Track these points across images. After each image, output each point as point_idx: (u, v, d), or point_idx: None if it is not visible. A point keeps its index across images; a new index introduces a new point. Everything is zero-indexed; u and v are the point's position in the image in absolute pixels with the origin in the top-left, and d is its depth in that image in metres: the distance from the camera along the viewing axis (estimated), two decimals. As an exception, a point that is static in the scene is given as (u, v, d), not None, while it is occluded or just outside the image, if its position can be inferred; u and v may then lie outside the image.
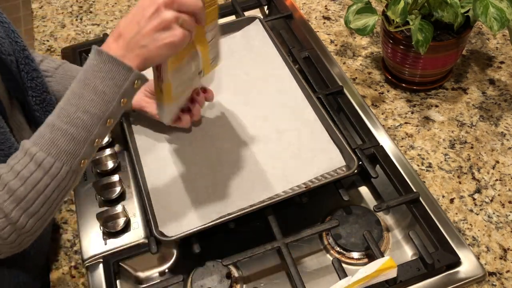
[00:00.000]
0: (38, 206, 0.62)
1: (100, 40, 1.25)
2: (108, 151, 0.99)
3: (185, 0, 0.63)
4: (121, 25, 0.64)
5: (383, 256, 0.80)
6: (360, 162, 0.92)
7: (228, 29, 1.19)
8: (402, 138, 1.00)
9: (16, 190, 0.61)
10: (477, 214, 0.87)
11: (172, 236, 0.82)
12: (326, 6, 1.32)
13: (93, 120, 0.63)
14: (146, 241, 0.87)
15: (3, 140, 0.72)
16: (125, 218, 0.89)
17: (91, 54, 0.64)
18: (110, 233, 0.88)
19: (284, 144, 0.95)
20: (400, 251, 0.89)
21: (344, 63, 1.16)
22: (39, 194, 0.61)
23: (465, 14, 0.96)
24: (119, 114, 0.66)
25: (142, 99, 0.95)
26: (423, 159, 0.96)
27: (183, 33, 0.63)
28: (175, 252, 0.92)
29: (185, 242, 0.86)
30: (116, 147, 1.02)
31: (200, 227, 0.82)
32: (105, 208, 0.91)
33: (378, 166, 0.95)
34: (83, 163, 0.64)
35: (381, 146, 0.96)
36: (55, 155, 0.61)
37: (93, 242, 0.88)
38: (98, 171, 0.96)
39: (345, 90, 1.06)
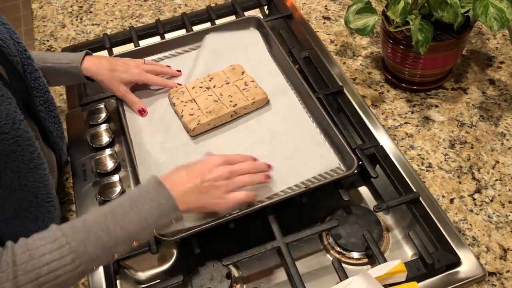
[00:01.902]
0: (33, 286, 0.61)
1: (100, 40, 1.25)
2: (108, 151, 0.99)
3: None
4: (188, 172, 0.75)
5: (383, 256, 0.80)
6: (360, 162, 0.92)
7: (228, 29, 1.19)
8: (402, 138, 1.00)
9: (31, 272, 0.61)
10: (477, 214, 0.87)
11: (172, 236, 0.82)
12: (326, 6, 1.32)
13: (125, 238, 0.67)
14: (146, 241, 0.87)
15: (26, 146, 0.72)
16: (125, 218, 0.88)
17: (152, 180, 0.71)
18: (110, 233, 0.88)
19: (278, 145, 0.95)
20: (400, 251, 0.88)
21: (344, 63, 1.16)
22: (48, 281, 0.62)
23: (465, 14, 0.96)
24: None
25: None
26: (423, 159, 0.96)
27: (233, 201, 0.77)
28: (175, 252, 0.92)
29: (185, 242, 0.86)
30: (116, 147, 1.02)
31: (200, 227, 0.82)
32: (105, 208, 0.91)
33: (378, 166, 0.95)
34: (96, 267, 0.69)
35: (381, 146, 0.96)
36: (79, 254, 0.63)
37: (93, 242, 0.88)
38: (98, 171, 0.96)
39: (345, 90, 1.06)
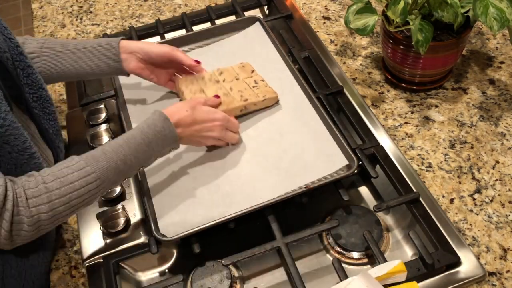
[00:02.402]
0: (65, 208, 0.71)
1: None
2: (108, 151, 0.99)
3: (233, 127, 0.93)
4: (191, 115, 0.85)
5: (383, 256, 0.80)
6: (360, 162, 0.92)
7: (228, 29, 1.19)
8: (402, 138, 1.00)
9: (64, 196, 0.71)
10: (477, 214, 0.87)
11: (172, 236, 0.82)
12: (326, 6, 1.32)
13: (136, 165, 0.79)
14: (146, 241, 0.87)
15: (18, 135, 0.73)
16: (125, 218, 0.89)
17: (160, 116, 0.81)
18: (110, 233, 0.88)
19: (286, 145, 0.95)
20: (400, 251, 0.88)
21: (344, 63, 1.16)
22: (77, 203, 0.72)
23: (465, 14, 0.96)
24: (148, 165, 0.84)
25: (138, 66, 0.96)
26: (423, 159, 0.96)
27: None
28: (175, 252, 0.92)
29: (185, 242, 0.86)
30: (116, 147, 1.02)
31: (200, 227, 0.82)
32: (105, 208, 0.91)
33: (378, 166, 0.95)
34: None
35: (381, 146, 0.96)
36: (102, 180, 0.74)
37: (93, 242, 0.88)
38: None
39: (345, 90, 1.06)
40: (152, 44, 0.98)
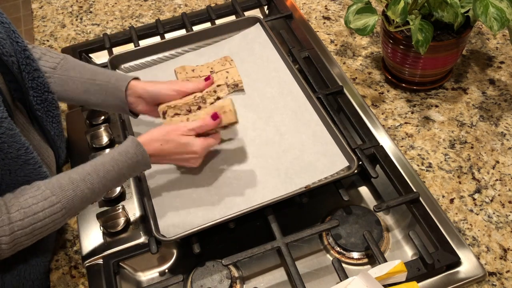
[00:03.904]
0: (27, 238, 0.71)
1: (100, 40, 1.25)
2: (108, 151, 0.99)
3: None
4: (162, 141, 0.82)
5: (383, 256, 0.80)
6: (360, 162, 0.92)
7: (228, 29, 1.19)
8: (402, 138, 1.00)
9: (27, 228, 0.70)
10: (477, 214, 0.87)
11: (172, 236, 0.82)
12: (326, 6, 1.32)
13: (104, 191, 0.78)
14: (146, 241, 0.87)
15: (12, 142, 0.72)
16: (125, 218, 0.89)
17: (132, 142, 0.79)
18: (110, 233, 0.88)
19: (286, 146, 0.95)
20: (400, 251, 0.89)
21: (344, 63, 1.16)
22: (40, 232, 0.72)
23: (465, 14, 0.96)
24: (117, 187, 0.87)
25: (146, 109, 0.91)
26: (423, 159, 0.96)
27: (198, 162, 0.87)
28: (175, 252, 0.92)
29: (185, 242, 0.86)
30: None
31: (200, 227, 0.82)
32: (105, 208, 0.91)
33: (378, 166, 0.95)
34: (74, 216, 0.78)
35: (381, 146, 0.96)
36: (68, 209, 0.73)
37: (93, 242, 0.88)
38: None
39: (345, 90, 1.06)
40: (160, 85, 0.89)
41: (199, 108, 0.89)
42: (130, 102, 0.90)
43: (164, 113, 0.88)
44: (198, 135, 0.84)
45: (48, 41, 1.31)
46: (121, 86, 0.89)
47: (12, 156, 0.73)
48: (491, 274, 0.80)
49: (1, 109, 0.71)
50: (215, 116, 0.83)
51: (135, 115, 0.94)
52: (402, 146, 0.98)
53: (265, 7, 1.36)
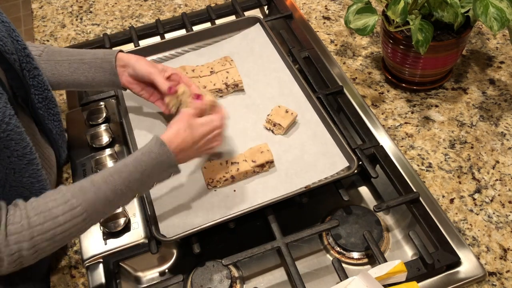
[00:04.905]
0: (48, 244, 0.68)
1: (100, 40, 1.25)
2: (108, 151, 0.99)
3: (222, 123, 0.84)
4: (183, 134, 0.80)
5: (383, 256, 0.80)
6: (360, 162, 0.92)
7: (228, 29, 1.19)
8: (402, 138, 1.00)
9: (47, 233, 0.68)
10: (477, 214, 0.87)
11: (172, 236, 0.82)
12: (326, 6, 1.32)
13: (128, 194, 0.75)
14: (146, 241, 0.87)
15: (19, 140, 0.73)
16: (125, 218, 0.89)
17: (156, 142, 0.76)
18: (110, 233, 0.88)
19: (286, 146, 0.95)
20: (400, 251, 0.89)
21: (344, 63, 1.16)
22: (61, 238, 0.69)
23: (465, 14, 0.96)
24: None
25: (128, 81, 0.93)
26: (423, 159, 0.96)
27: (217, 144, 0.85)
28: (175, 252, 0.92)
29: (185, 242, 0.86)
30: (116, 147, 1.02)
31: (200, 227, 0.82)
32: (105, 208, 0.91)
33: (378, 166, 0.95)
34: (101, 219, 0.76)
35: (381, 146, 0.96)
36: (90, 213, 0.70)
37: (93, 242, 0.88)
38: (98, 171, 0.96)
39: (345, 90, 1.06)
40: (142, 62, 0.92)
41: None
42: (118, 72, 0.91)
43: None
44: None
45: (48, 41, 1.31)
46: (110, 57, 0.91)
47: (18, 154, 0.73)
48: (491, 274, 0.80)
49: (9, 107, 0.71)
50: (197, 96, 0.85)
51: (123, 88, 0.95)
52: (402, 146, 0.98)
53: (265, 7, 1.36)
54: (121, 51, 0.94)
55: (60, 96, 1.16)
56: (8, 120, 0.70)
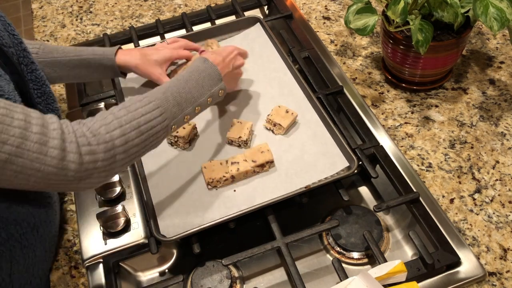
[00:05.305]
0: (136, 134, 0.72)
1: (100, 40, 1.25)
2: (108, 151, 0.99)
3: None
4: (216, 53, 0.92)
5: (383, 256, 0.80)
6: (360, 162, 0.92)
7: (228, 29, 1.19)
8: (402, 138, 1.00)
9: (133, 121, 0.72)
10: (477, 214, 0.87)
11: (172, 237, 0.82)
12: (326, 6, 1.32)
13: (191, 99, 0.81)
14: (146, 241, 0.87)
15: None
16: (125, 218, 0.89)
17: (199, 60, 0.87)
18: (110, 233, 0.88)
19: (286, 146, 0.95)
20: (400, 251, 0.89)
21: (344, 63, 1.16)
22: (146, 130, 0.73)
23: (465, 14, 0.96)
24: (205, 107, 0.85)
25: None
26: (423, 159, 0.96)
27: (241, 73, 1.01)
28: (175, 252, 0.92)
29: (185, 242, 0.86)
30: (116, 147, 1.02)
31: (200, 227, 0.82)
32: (105, 208, 0.91)
33: (378, 166, 0.95)
34: (173, 128, 0.79)
35: (381, 146, 0.96)
36: (165, 109, 0.76)
37: (93, 242, 0.88)
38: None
39: (345, 90, 1.06)
40: (140, 70, 1.01)
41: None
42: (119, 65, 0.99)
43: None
44: None
45: (48, 41, 1.31)
46: (109, 55, 0.97)
47: None
48: (491, 274, 0.80)
49: (17, 93, 0.72)
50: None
51: (124, 75, 1.03)
52: (402, 146, 0.98)
53: (265, 7, 1.37)
54: (120, 48, 0.99)
55: (60, 96, 1.16)
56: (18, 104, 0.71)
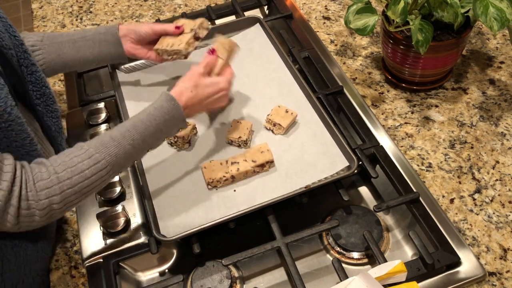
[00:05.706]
0: (76, 196, 0.73)
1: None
2: (108, 151, 0.99)
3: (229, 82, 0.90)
4: (190, 90, 0.85)
5: (383, 256, 0.80)
6: (360, 162, 0.92)
7: (228, 29, 1.19)
8: (402, 138, 1.00)
9: (76, 186, 0.72)
10: (477, 214, 0.87)
11: (172, 237, 0.82)
12: (326, 6, 1.32)
13: (144, 148, 0.80)
14: (146, 241, 0.87)
15: (19, 131, 0.73)
16: (125, 218, 0.89)
17: (166, 97, 0.81)
18: (110, 233, 0.88)
19: (286, 146, 0.95)
20: (400, 251, 0.89)
21: (344, 63, 1.16)
22: (88, 190, 0.74)
23: (465, 14, 0.96)
24: (157, 146, 0.84)
25: (131, 47, 0.99)
26: (423, 159, 0.96)
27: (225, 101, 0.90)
28: (175, 252, 0.92)
29: (185, 242, 0.86)
30: (116, 147, 1.02)
31: (200, 227, 0.82)
32: (105, 208, 0.91)
33: (378, 166, 0.95)
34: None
35: (381, 146, 0.96)
36: (112, 165, 0.75)
37: (93, 242, 0.88)
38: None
39: (345, 90, 1.06)
40: (143, 25, 1.00)
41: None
42: (122, 42, 0.97)
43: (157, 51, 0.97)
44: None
45: (48, 41, 1.31)
46: (112, 30, 0.97)
47: (17, 145, 0.74)
48: (491, 274, 0.80)
49: (10, 98, 0.72)
50: (212, 51, 0.89)
51: (127, 59, 1.00)
52: (402, 146, 0.98)
53: (265, 7, 1.36)
54: (120, 24, 1.00)
55: (60, 96, 1.16)
56: (10, 110, 0.71)
